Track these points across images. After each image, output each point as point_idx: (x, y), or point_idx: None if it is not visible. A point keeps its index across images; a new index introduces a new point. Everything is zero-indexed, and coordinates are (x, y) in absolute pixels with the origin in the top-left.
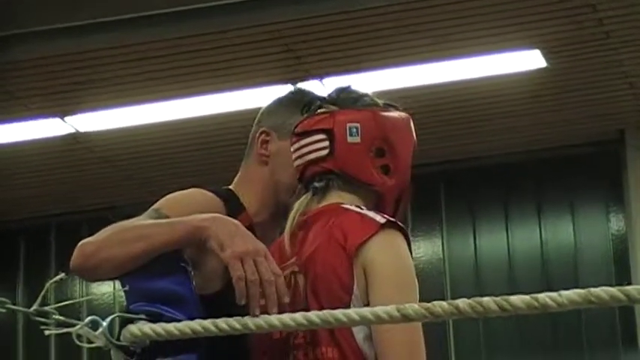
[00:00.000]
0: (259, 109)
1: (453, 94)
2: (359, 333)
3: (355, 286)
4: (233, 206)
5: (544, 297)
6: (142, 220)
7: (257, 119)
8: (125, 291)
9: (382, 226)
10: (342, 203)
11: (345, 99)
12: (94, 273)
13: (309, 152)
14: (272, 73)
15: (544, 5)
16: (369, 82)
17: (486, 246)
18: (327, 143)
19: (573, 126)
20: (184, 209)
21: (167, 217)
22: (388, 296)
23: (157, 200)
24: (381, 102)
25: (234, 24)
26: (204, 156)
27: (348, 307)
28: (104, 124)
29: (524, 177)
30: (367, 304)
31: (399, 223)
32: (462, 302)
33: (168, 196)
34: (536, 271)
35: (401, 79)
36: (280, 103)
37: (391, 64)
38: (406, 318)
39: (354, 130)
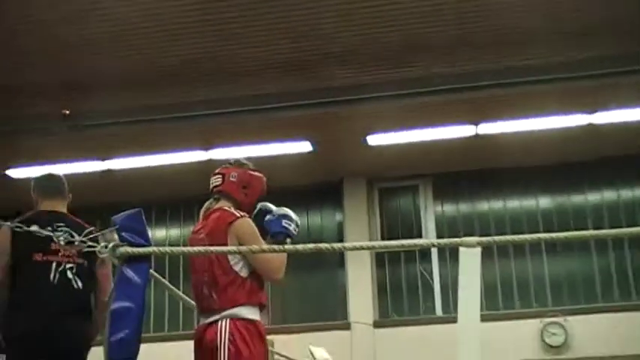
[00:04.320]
0: None
1: None
2: (234, 261)
3: (229, 244)
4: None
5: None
6: None
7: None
8: (116, 228)
9: (241, 216)
10: (224, 206)
11: (235, 161)
12: None
13: (215, 182)
14: None
15: None
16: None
17: None
18: (221, 179)
19: None
20: None
21: None
22: (249, 243)
23: None
24: (250, 164)
25: None
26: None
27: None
28: None
29: None
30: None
31: (247, 215)
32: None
33: None
34: None
35: None
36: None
37: None
38: (263, 251)
39: (234, 175)
